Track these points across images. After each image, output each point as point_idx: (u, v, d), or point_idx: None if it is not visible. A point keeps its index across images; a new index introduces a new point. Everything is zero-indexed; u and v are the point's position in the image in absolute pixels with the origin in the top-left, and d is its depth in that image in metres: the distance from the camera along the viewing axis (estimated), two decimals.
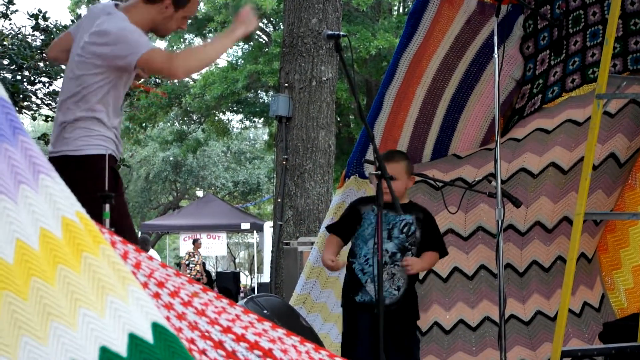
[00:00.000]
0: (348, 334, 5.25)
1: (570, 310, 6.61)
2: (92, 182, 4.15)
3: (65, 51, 4.70)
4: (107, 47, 4.39)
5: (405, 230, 5.20)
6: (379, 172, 4.54)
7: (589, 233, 6.98)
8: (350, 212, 5.38)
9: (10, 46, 11.38)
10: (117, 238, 2.56)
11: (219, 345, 2.50)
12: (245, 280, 37.91)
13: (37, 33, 11.83)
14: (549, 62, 6.73)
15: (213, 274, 25.43)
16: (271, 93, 23.24)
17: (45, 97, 12.38)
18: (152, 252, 21.85)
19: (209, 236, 24.58)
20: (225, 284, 22.91)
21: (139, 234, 26.61)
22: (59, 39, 4.95)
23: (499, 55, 5.60)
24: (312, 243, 7.87)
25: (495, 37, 5.60)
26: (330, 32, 4.72)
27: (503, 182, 5.98)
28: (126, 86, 4.62)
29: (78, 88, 4.44)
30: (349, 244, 5.38)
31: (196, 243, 22.51)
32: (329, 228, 5.52)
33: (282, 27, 17.78)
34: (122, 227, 4.24)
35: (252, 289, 27.33)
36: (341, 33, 4.74)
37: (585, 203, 5.28)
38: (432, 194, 6.69)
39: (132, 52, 4.35)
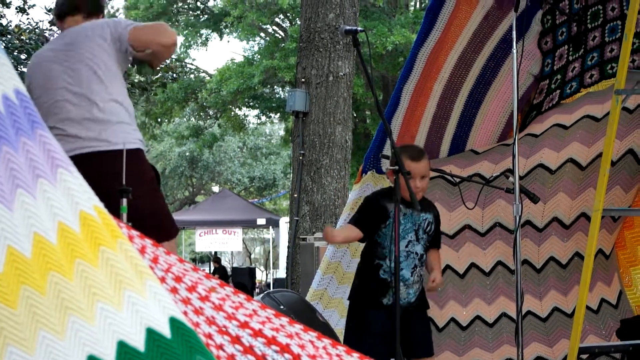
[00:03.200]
0: (360, 332, 5.11)
1: (587, 307, 6.59)
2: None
3: None
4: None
5: (427, 230, 5.13)
6: (397, 167, 4.52)
7: (607, 229, 6.95)
8: (376, 208, 5.13)
9: (27, 41, 11.41)
10: (134, 232, 2.56)
11: (236, 340, 2.50)
12: (260, 275, 37.93)
13: (54, 27, 11.85)
14: (567, 57, 6.70)
15: (228, 270, 25.48)
16: (287, 88, 23.21)
17: None
18: None
19: (224, 231, 24.63)
20: (241, 279, 22.98)
21: None
22: None
23: (517, 51, 5.58)
24: None
25: (514, 32, 5.56)
26: (348, 27, 4.72)
27: (521, 178, 5.95)
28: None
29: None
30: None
31: None
32: (354, 222, 5.20)
33: (298, 22, 17.78)
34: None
35: (268, 285, 27.38)
36: (359, 28, 4.73)
37: (604, 199, 5.25)
38: (449, 189, 6.68)
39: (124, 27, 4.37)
